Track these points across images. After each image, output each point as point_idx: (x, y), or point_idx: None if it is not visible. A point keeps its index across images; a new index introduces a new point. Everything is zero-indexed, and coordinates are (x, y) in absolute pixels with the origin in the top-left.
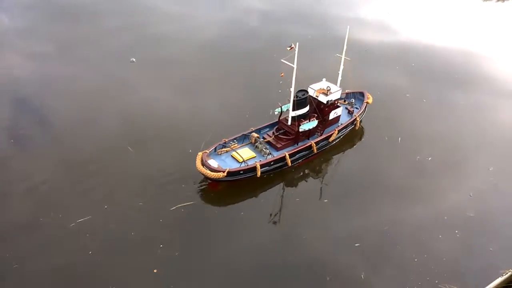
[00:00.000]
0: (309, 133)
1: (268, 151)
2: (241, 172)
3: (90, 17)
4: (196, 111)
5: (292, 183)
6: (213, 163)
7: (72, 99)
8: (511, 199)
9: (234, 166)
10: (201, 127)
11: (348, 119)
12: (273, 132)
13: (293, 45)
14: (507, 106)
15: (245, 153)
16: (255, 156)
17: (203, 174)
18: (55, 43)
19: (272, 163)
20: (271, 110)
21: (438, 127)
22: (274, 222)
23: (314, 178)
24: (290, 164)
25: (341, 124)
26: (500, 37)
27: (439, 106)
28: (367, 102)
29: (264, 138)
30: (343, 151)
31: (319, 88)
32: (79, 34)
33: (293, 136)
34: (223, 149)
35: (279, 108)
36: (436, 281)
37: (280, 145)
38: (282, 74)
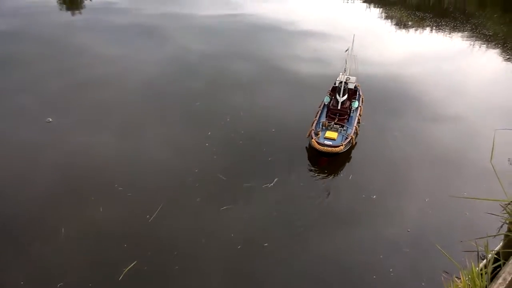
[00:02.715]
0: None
1: (344, 128)
2: (348, 143)
3: (17, 65)
4: (140, 160)
5: None
6: (327, 142)
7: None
8: (444, 229)
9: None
10: (149, 177)
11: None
12: (330, 117)
13: (348, 49)
14: (434, 131)
15: (334, 132)
16: (338, 134)
17: (326, 152)
18: None
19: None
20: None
21: (379, 159)
22: None
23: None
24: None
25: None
26: (421, 63)
27: (374, 135)
28: (359, 86)
29: (328, 122)
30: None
31: (346, 77)
32: (4, 84)
33: (346, 116)
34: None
35: (326, 98)
36: None
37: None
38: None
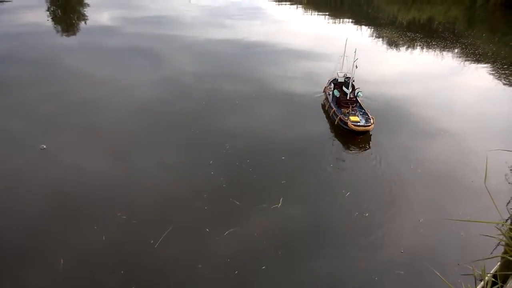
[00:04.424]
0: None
1: (361, 111)
2: (373, 123)
3: (9, 88)
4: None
5: None
6: (359, 124)
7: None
8: (438, 250)
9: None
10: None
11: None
12: (343, 106)
13: (355, 50)
14: (428, 150)
15: (355, 117)
16: (359, 117)
17: (361, 131)
18: None
19: None
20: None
21: (372, 177)
22: None
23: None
24: None
25: None
26: (411, 82)
27: (366, 153)
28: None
29: (347, 110)
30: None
31: (343, 74)
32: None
33: (355, 104)
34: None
35: (336, 92)
36: None
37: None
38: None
